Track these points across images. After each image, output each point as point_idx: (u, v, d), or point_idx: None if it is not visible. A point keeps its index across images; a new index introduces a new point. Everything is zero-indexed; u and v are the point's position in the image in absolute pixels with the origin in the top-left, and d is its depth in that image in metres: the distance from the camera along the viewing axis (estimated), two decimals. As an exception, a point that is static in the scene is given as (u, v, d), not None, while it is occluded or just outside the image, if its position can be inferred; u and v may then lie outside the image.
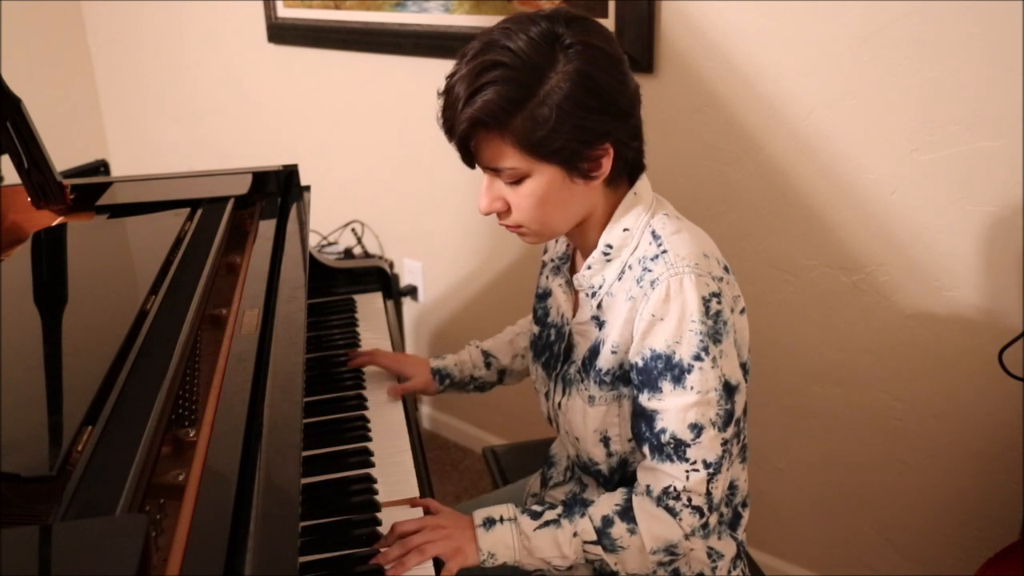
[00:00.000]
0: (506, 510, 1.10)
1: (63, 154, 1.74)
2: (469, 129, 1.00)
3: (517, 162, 1.01)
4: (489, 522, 1.09)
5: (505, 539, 1.07)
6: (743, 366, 1.13)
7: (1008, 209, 1.44)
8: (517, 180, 1.03)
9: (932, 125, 1.47)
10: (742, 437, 1.19)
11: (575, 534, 1.07)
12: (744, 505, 1.23)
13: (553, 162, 1.01)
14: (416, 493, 1.18)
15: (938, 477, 1.65)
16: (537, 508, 1.10)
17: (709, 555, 1.18)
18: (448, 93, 1.02)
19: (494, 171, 1.04)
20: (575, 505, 1.10)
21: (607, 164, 1.03)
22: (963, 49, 1.41)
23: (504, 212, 1.08)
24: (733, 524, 1.22)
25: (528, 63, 0.97)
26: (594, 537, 1.07)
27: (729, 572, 1.20)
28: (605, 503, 1.09)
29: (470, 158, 1.05)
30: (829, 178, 1.62)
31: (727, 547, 1.20)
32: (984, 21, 1.38)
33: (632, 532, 1.06)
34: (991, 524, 1.61)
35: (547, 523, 1.08)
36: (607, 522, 1.07)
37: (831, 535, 1.85)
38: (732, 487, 1.20)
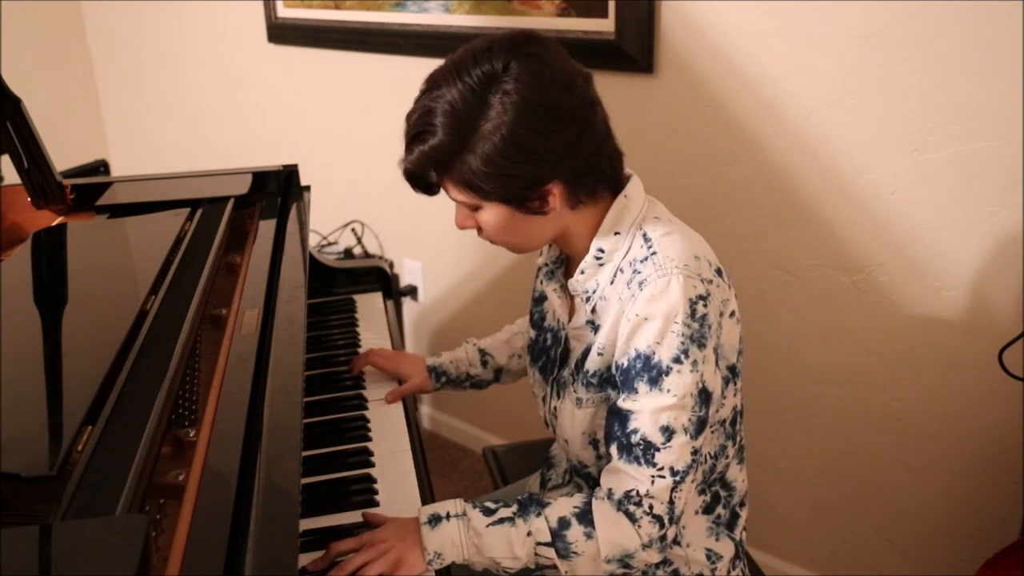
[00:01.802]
0: (454, 506, 1.06)
1: (63, 154, 1.74)
2: (411, 176, 1.05)
3: (464, 198, 1.04)
4: (435, 519, 1.04)
5: (452, 536, 1.03)
6: (732, 368, 1.12)
7: (1008, 209, 1.44)
8: (473, 208, 1.06)
9: (932, 125, 1.47)
10: (739, 438, 1.19)
11: (529, 533, 1.03)
12: (742, 505, 1.23)
13: (496, 201, 1.03)
14: (416, 493, 1.18)
15: (938, 477, 1.65)
16: (491, 505, 1.07)
17: (708, 556, 1.18)
18: (405, 122, 1.05)
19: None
20: (531, 504, 1.06)
21: (555, 201, 1.03)
22: (963, 49, 1.41)
23: (479, 229, 1.10)
24: (730, 524, 1.21)
25: (459, 116, 0.98)
26: (548, 539, 1.03)
27: (728, 572, 1.20)
28: (563, 505, 1.05)
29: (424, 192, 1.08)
30: (829, 178, 1.61)
31: (725, 548, 1.20)
32: (984, 21, 1.38)
33: (589, 536, 1.03)
34: (991, 524, 1.61)
35: (501, 520, 1.04)
36: (564, 524, 1.03)
37: (831, 535, 1.85)
38: (729, 487, 1.20)
